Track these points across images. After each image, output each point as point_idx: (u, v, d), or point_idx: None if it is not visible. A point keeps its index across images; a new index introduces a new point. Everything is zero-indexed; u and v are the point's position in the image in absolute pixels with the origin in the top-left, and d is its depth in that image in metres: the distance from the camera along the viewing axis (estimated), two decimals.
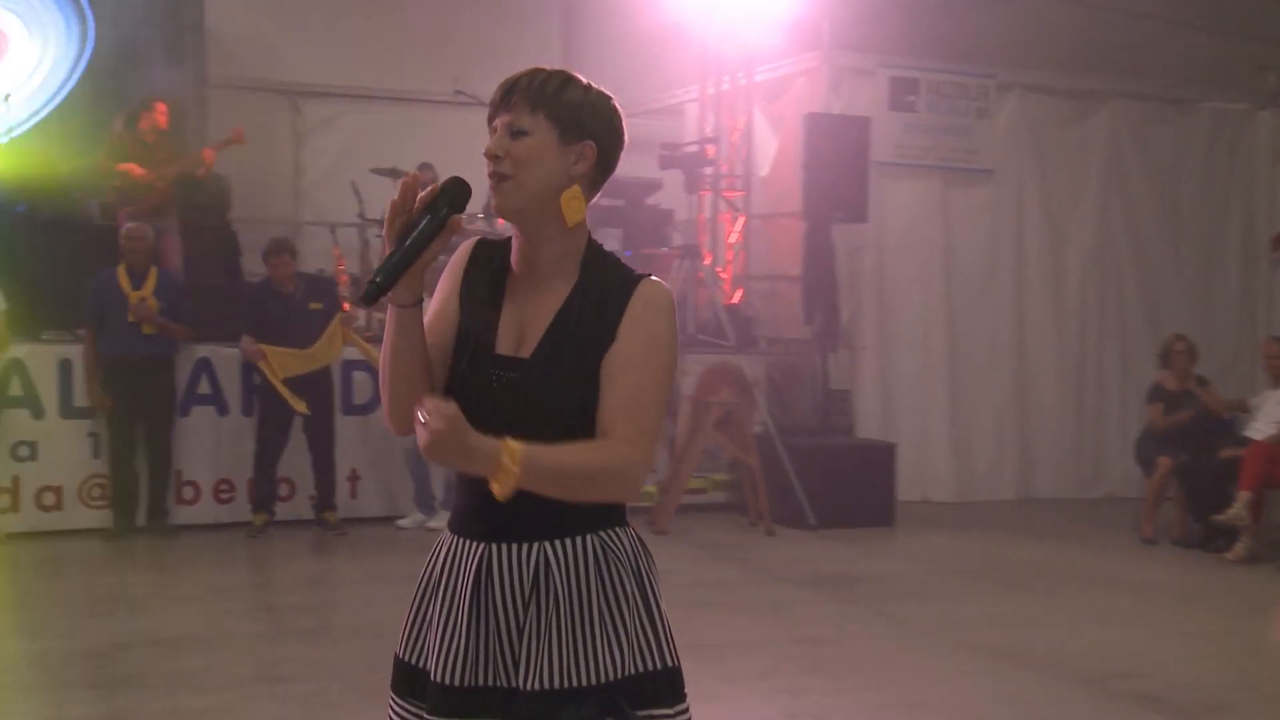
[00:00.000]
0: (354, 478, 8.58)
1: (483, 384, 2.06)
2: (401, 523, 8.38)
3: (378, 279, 1.98)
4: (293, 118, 11.72)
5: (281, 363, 8.02)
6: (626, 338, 2.05)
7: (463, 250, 2.21)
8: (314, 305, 8.15)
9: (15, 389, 7.79)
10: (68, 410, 7.96)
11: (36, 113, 10.48)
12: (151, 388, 7.90)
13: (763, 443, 9.01)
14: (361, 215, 9.98)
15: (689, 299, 10.09)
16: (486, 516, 2.05)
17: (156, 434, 7.97)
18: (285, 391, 7.96)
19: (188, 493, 8.22)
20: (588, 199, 2.12)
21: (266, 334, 8.04)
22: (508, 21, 11.75)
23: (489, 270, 2.17)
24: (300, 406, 7.97)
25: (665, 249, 10.41)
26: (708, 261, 10.49)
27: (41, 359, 7.89)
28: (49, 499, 7.90)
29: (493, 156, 2.06)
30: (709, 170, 10.56)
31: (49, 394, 7.90)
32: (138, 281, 7.93)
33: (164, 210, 9.14)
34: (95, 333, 7.89)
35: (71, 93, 10.81)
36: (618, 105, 2.14)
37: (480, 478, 1.94)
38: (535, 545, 2.04)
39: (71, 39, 10.64)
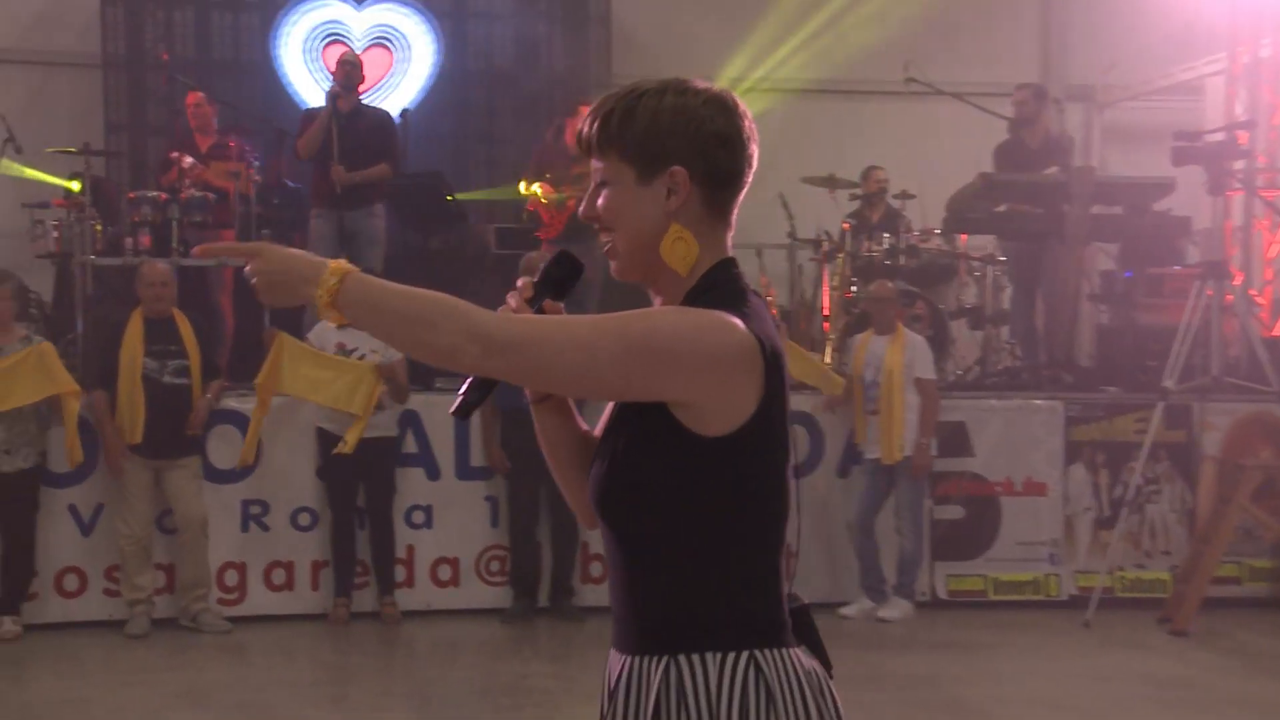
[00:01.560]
0: (789, 554, 8.55)
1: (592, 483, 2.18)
2: (845, 611, 8.31)
3: (468, 394, 2.13)
4: None
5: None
6: None
7: None
8: None
9: (410, 446, 8.38)
10: (464, 471, 8.46)
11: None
12: None
13: None
14: (792, 234, 10.06)
15: (1213, 331, 9.48)
16: (616, 623, 2.17)
17: (560, 499, 8.25)
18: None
19: (595, 568, 8.47)
20: (711, 226, 2.14)
21: None
22: None
23: None
24: None
25: (1178, 268, 9.86)
26: (1238, 282, 9.84)
27: (437, 411, 8.43)
28: (445, 572, 8.44)
29: (587, 218, 2.17)
30: (1239, 164, 9.91)
31: (445, 452, 8.44)
32: None
33: (582, 233, 9.61)
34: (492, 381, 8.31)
35: (466, 98, 11.63)
36: (712, 95, 2.12)
37: (620, 572, 2.13)
38: (660, 660, 2.09)
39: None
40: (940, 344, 9.08)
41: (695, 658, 2.07)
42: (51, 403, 7.68)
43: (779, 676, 2.08)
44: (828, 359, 9.23)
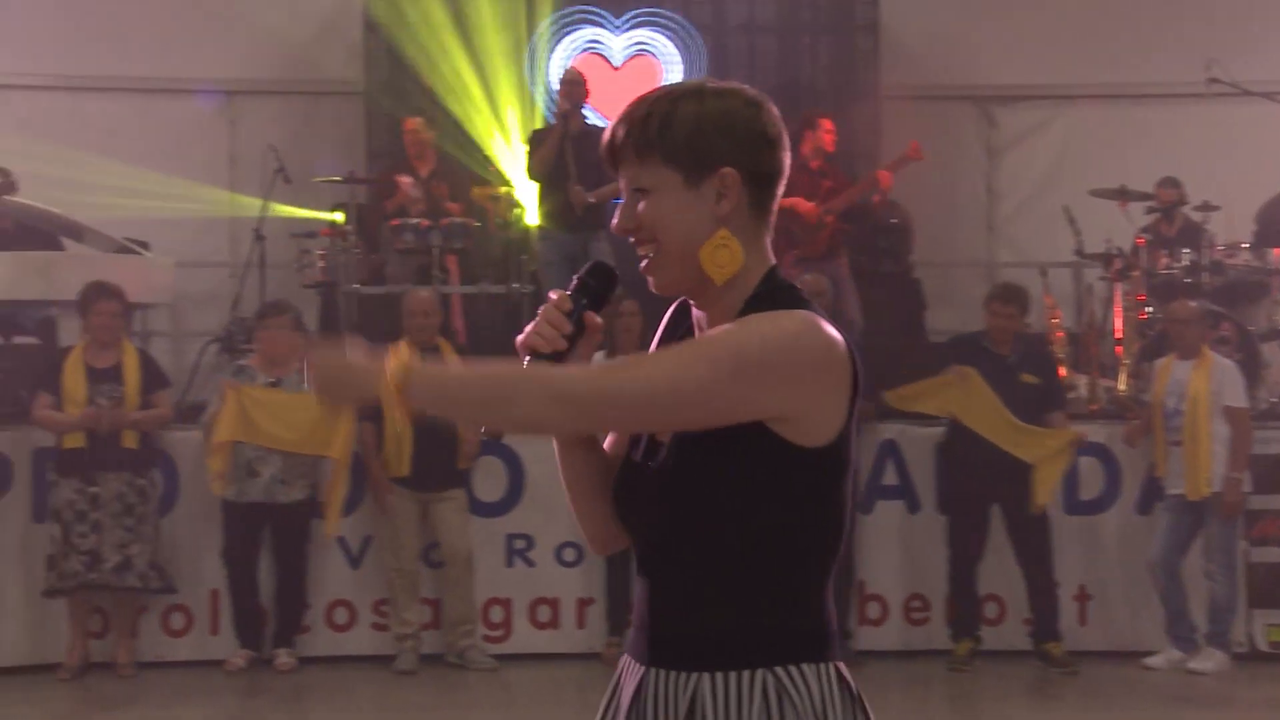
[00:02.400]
0: (1082, 597, 8.20)
1: (635, 475, 2.14)
2: (1150, 661, 7.85)
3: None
4: (984, 130, 11.60)
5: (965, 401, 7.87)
6: None
7: (666, 320, 2.28)
8: (1027, 378, 7.88)
9: None
10: None
11: None
12: None
13: None
14: (1079, 251, 9.66)
15: None
16: (645, 633, 2.13)
17: None
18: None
19: (872, 610, 8.24)
20: (756, 230, 2.10)
21: None
22: None
23: (678, 338, 2.23)
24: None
25: None
26: None
27: None
28: None
29: (624, 231, 2.10)
30: None
31: None
32: None
33: (834, 252, 9.35)
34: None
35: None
36: (750, 95, 2.10)
37: (645, 587, 2.12)
38: (692, 676, 2.07)
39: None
40: (1251, 369, 8.54)
41: (750, 674, 2.06)
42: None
43: (830, 689, 2.07)
44: (1122, 385, 8.78)
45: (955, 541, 7.97)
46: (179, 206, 11.15)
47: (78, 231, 9.71)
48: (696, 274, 2.08)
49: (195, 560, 7.93)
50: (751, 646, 2.07)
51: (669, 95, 2.10)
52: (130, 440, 7.67)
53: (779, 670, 2.06)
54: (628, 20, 11.41)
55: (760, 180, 2.10)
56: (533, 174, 9.44)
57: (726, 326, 2.06)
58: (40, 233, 9.67)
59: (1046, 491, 7.80)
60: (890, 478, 8.28)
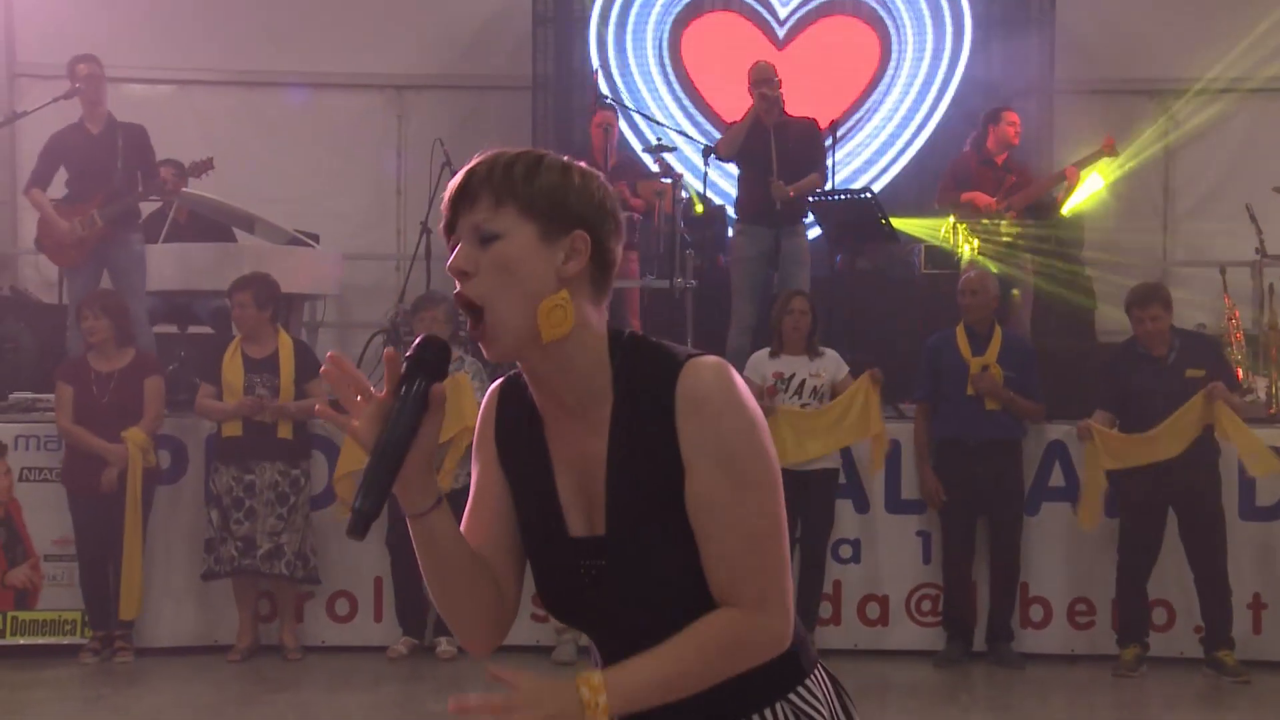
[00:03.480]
0: (1257, 605, 8.01)
1: (573, 580, 2.10)
2: None
3: (360, 504, 1.91)
4: (1162, 125, 11.37)
5: (1115, 448, 7.70)
6: (697, 467, 2.00)
7: (488, 404, 2.19)
8: (1192, 373, 7.73)
9: (840, 477, 8.18)
10: (894, 504, 8.24)
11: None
12: (995, 479, 7.93)
13: None
14: (1260, 250, 9.44)
15: None
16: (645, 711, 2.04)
17: (999, 537, 7.98)
18: (1095, 493, 7.70)
19: (1035, 612, 8.15)
20: (594, 300, 2.06)
21: (1127, 410, 7.80)
22: None
23: (521, 425, 2.14)
24: (1089, 520, 7.68)
25: None
26: None
27: (865, 442, 8.20)
28: (873, 610, 8.22)
29: (459, 273, 2.00)
30: None
31: (875, 483, 8.23)
32: (979, 345, 8.03)
33: (1013, 250, 9.25)
34: (928, 407, 8.12)
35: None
36: (606, 182, 2.10)
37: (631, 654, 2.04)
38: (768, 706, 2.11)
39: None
40: None
41: (770, 711, 2.14)
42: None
43: (829, 691, 2.23)
44: None
45: (1127, 545, 7.83)
46: (347, 200, 11.46)
47: (250, 223, 10.01)
48: (530, 332, 2.01)
49: (360, 548, 8.12)
50: (763, 685, 2.12)
51: (532, 153, 2.08)
52: (285, 431, 7.91)
53: (791, 695, 2.15)
54: (796, 12, 11.45)
55: (604, 255, 2.07)
56: (721, 150, 9.43)
57: (717, 447, 2.01)
58: (215, 224, 10.00)
59: (1262, 460, 7.59)
60: (1057, 479, 8.18)
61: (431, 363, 2.01)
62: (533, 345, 2.02)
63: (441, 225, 2.08)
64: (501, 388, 2.21)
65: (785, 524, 2.07)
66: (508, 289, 1.99)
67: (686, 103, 11.57)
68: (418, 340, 2.03)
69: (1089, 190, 9.57)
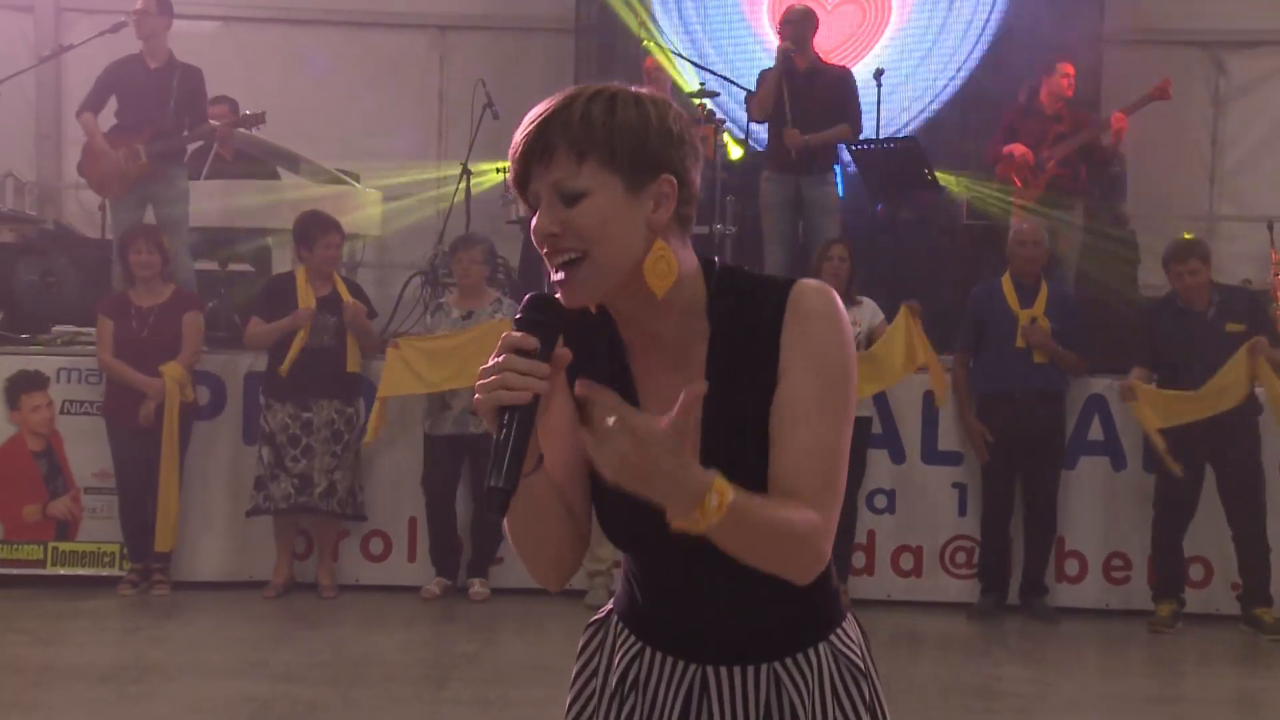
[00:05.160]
0: None
1: (655, 513, 1.86)
2: None
3: (500, 482, 1.84)
4: (1212, 77, 11.21)
5: (1161, 406, 7.62)
6: (791, 371, 1.99)
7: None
8: (1232, 327, 7.65)
9: (875, 426, 8.16)
10: (930, 455, 8.21)
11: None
12: (1036, 431, 7.87)
13: None
14: None
15: None
16: (708, 637, 2.10)
17: (1037, 490, 7.94)
18: (1161, 446, 7.56)
19: (1070, 566, 8.12)
20: (681, 239, 2.02)
21: (1166, 365, 7.73)
22: None
23: (598, 355, 2.08)
24: (1176, 468, 7.51)
25: None
26: None
27: (904, 390, 8.18)
28: (907, 561, 8.21)
29: (547, 236, 1.94)
30: None
31: (911, 434, 8.21)
32: (1027, 297, 7.97)
33: (1065, 200, 9.14)
34: (968, 355, 8.07)
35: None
36: (677, 107, 2.04)
37: (687, 585, 2.07)
38: (765, 668, 2.10)
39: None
40: None
41: (814, 650, 2.13)
42: None
43: (859, 635, 2.22)
44: None
45: (1163, 501, 7.78)
46: (388, 140, 11.43)
47: (294, 162, 10.00)
48: (623, 286, 1.97)
49: (395, 489, 8.18)
50: (814, 625, 2.14)
51: (604, 91, 1.99)
52: (354, 364, 7.96)
53: (832, 637, 2.15)
54: None
55: (689, 190, 2.01)
56: (754, 113, 9.39)
57: (814, 356, 1.99)
58: (258, 162, 9.99)
59: (1237, 394, 7.52)
60: (1095, 433, 8.12)
61: (547, 323, 1.92)
62: (615, 293, 1.99)
63: (511, 177, 2.00)
64: (577, 325, 2.09)
65: (848, 456, 2.04)
66: (604, 244, 1.94)
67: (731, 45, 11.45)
68: (526, 300, 1.95)
69: None
